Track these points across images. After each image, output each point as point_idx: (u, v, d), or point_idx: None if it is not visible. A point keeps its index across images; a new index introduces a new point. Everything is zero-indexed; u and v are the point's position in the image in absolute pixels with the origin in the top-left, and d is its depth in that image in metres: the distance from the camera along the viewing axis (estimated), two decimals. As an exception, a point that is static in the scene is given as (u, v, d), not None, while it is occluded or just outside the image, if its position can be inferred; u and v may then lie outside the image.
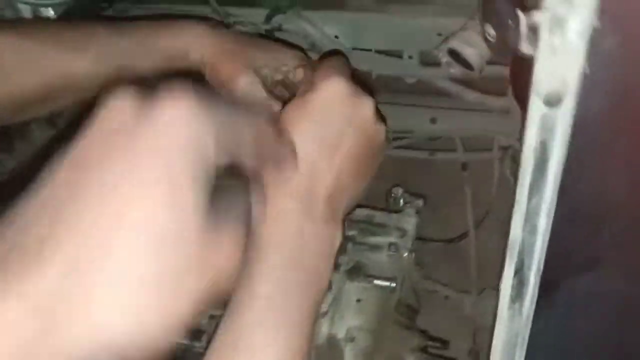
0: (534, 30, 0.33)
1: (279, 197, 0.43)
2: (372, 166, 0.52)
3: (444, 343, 0.81)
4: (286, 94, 0.70)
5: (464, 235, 1.06)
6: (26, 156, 1.05)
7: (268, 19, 0.90)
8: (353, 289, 0.80)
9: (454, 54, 0.75)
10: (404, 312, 0.84)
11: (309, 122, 0.46)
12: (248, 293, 0.41)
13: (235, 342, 0.40)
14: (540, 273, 0.39)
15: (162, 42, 0.62)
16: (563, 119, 0.35)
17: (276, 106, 0.63)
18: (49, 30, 0.59)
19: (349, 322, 0.77)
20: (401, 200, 0.86)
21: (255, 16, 0.92)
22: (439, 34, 0.91)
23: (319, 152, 0.46)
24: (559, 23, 0.31)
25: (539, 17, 0.32)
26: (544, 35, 0.32)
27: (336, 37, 0.94)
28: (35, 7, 0.78)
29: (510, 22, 0.46)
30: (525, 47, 0.35)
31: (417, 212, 0.87)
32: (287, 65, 0.69)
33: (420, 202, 0.88)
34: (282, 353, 0.39)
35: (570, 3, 0.30)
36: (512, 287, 0.40)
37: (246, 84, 0.65)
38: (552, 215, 0.36)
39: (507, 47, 0.52)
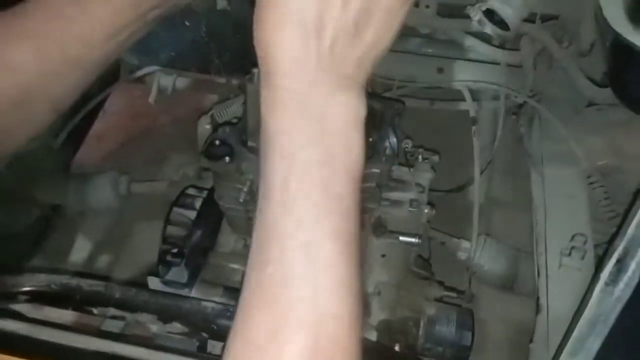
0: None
1: (280, 75, 0.36)
2: (398, 14, 0.39)
3: (460, 292, 0.86)
4: None
5: (464, 186, 1.10)
6: None
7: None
8: (378, 245, 0.82)
9: (490, 13, 0.74)
10: (420, 264, 0.87)
11: None
12: (266, 188, 0.37)
13: (267, 236, 0.36)
14: (643, 265, 0.41)
15: None
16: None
17: None
18: None
19: (377, 277, 0.80)
20: (420, 157, 0.86)
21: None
22: (460, -14, 0.89)
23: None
24: None
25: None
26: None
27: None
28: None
29: None
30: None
31: (432, 167, 0.89)
32: None
33: (436, 158, 0.89)
34: (311, 237, 0.36)
35: None
36: (611, 272, 0.43)
37: None
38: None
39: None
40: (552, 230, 0.78)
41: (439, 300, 0.84)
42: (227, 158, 0.66)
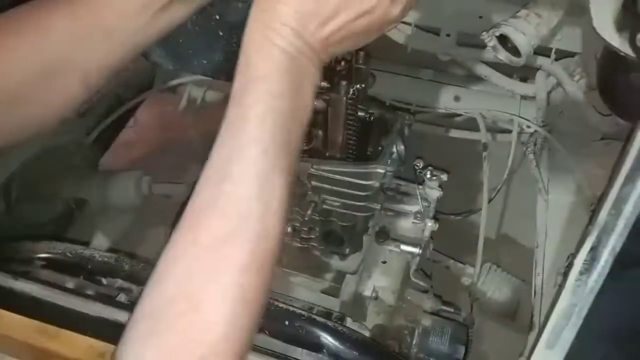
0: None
1: (268, 29, 0.43)
2: (380, 29, 0.48)
3: (457, 308, 0.87)
4: None
5: (472, 211, 1.12)
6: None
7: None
8: (380, 250, 0.85)
9: (503, 40, 0.78)
10: (420, 276, 0.89)
11: None
12: (240, 116, 0.43)
13: (229, 157, 0.42)
14: (615, 254, 0.44)
15: None
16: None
17: None
18: None
19: (375, 282, 0.82)
20: (428, 173, 0.89)
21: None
22: (480, 17, 0.94)
23: None
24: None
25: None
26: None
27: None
28: None
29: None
30: None
31: (440, 185, 0.91)
32: None
33: (444, 177, 0.92)
34: (270, 168, 0.42)
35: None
36: (585, 261, 0.45)
37: None
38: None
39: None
40: (551, 252, 0.79)
41: (436, 313, 0.85)
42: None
